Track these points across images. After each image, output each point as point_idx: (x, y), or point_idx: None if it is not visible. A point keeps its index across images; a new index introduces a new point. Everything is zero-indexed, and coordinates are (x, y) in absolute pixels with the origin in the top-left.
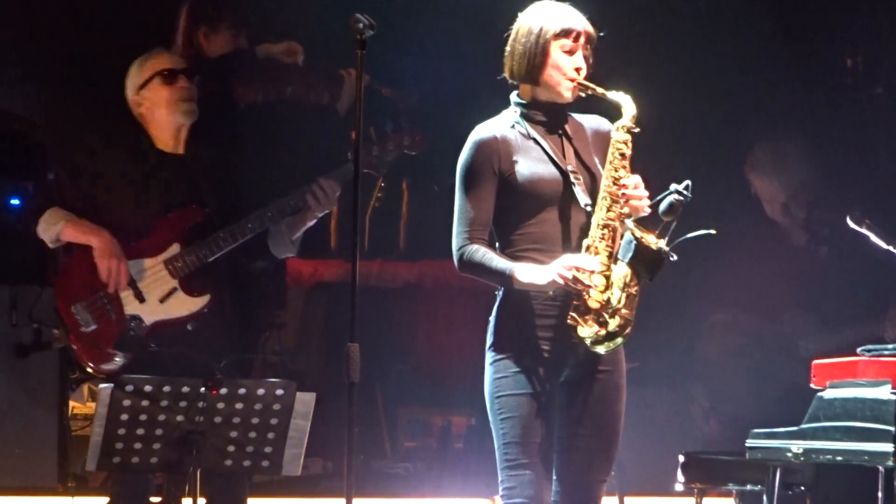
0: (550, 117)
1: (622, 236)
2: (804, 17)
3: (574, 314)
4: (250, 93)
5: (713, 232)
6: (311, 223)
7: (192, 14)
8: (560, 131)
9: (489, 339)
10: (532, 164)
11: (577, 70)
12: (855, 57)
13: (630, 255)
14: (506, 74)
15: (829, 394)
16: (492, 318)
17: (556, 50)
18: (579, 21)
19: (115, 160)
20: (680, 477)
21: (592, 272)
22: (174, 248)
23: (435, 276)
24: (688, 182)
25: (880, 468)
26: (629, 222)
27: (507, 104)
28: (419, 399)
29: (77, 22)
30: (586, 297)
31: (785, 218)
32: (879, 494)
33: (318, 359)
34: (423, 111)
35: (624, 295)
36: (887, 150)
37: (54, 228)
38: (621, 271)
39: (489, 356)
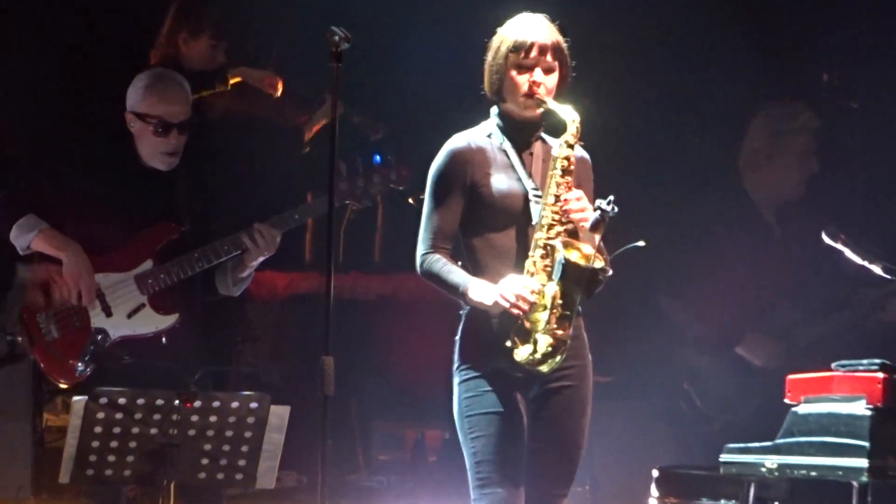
0: (521, 133)
1: None
2: (781, 32)
3: (514, 337)
4: (215, 109)
5: (642, 244)
6: (254, 265)
7: (177, 17)
8: (529, 148)
9: (456, 360)
10: (502, 177)
11: (535, 84)
12: (831, 72)
13: (559, 274)
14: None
15: (803, 409)
16: (457, 339)
17: (511, 66)
18: (536, 34)
19: (97, 171)
20: (654, 492)
21: (532, 298)
22: (146, 265)
23: (410, 290)
24: (611, 197)
25: (854, 484)
26: (557, 241)
27: (484, 117)
28: (393, 412)
29: (58, 31)
30: (521, 319)
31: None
32: None
33: (292, 372)
34: (401, 122)
35: (554, 315)
36: (863, 165)
37: (27, 236)
38: (550, 291)
39: (457, 376)
